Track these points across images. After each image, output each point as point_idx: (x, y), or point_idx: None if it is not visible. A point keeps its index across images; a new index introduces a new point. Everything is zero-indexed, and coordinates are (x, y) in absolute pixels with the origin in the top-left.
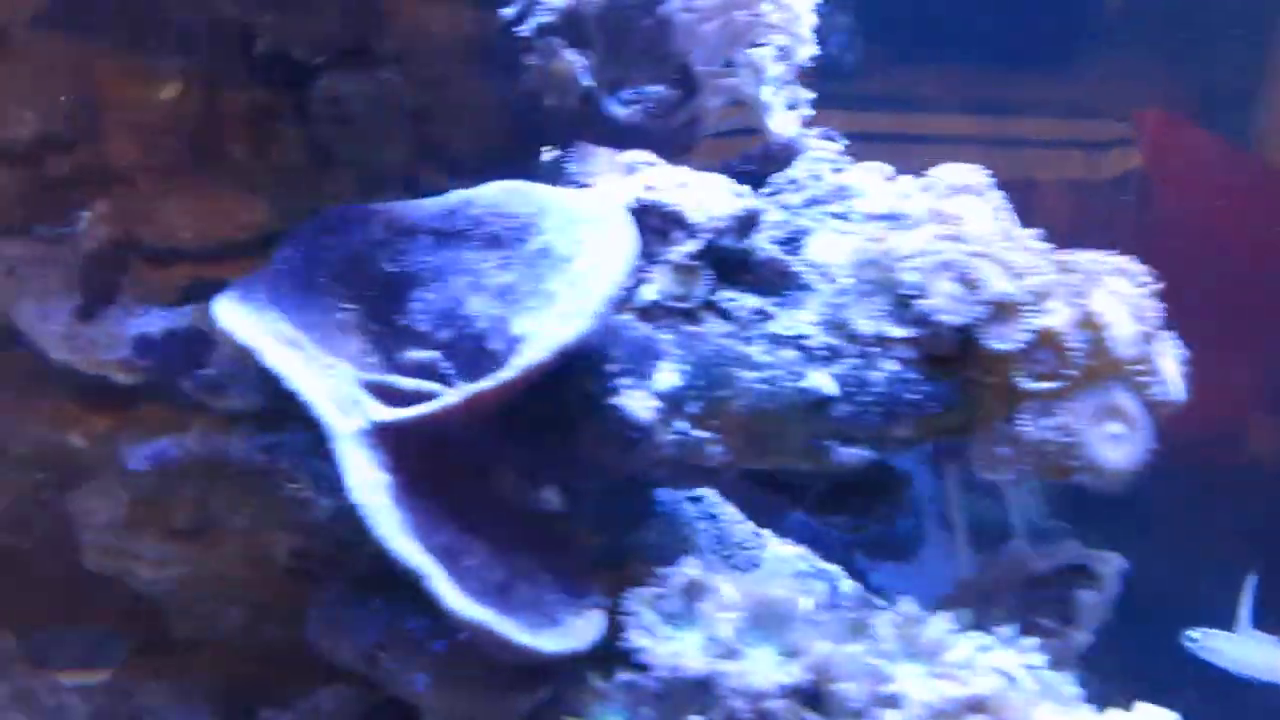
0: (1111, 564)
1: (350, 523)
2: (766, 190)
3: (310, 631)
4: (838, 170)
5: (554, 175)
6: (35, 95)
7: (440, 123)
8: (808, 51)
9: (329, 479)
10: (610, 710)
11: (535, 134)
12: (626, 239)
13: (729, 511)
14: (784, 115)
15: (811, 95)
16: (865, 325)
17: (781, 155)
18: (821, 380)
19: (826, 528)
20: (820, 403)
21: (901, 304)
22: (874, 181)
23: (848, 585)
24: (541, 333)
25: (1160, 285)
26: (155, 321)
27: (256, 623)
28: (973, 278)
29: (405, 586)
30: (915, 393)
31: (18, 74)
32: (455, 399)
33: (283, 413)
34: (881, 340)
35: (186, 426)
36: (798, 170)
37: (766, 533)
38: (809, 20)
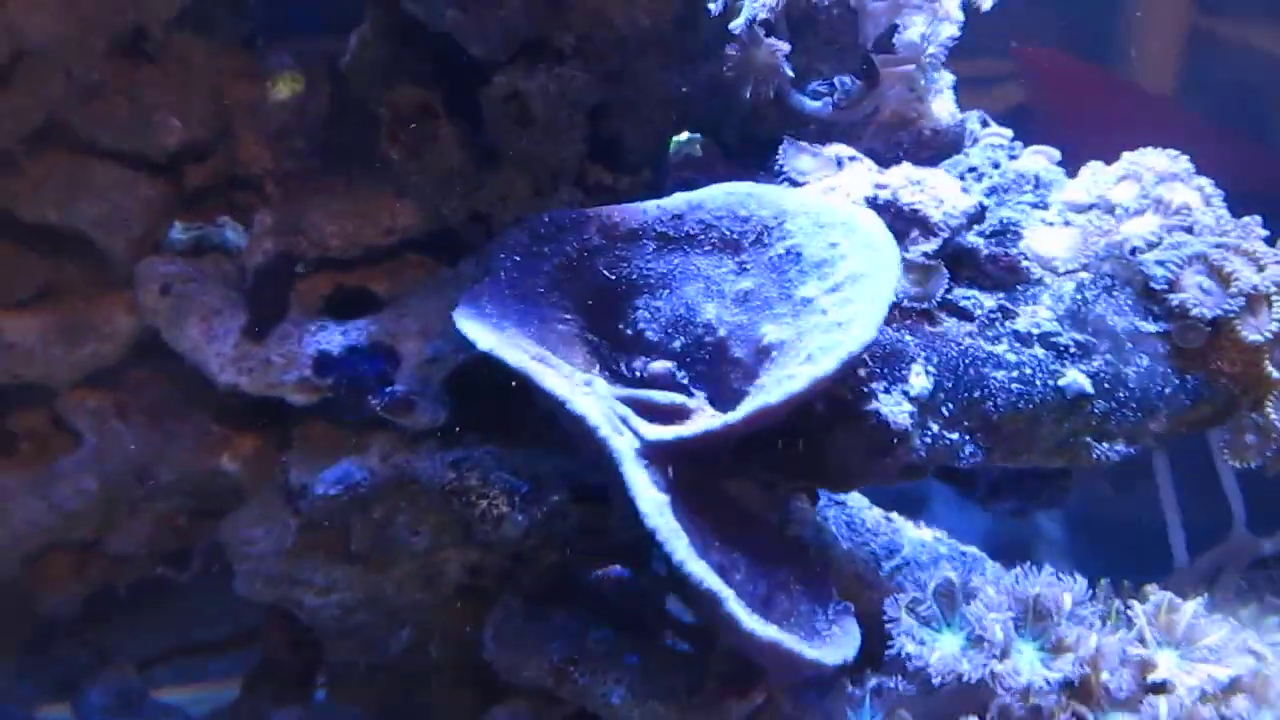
0: None
1: (537, 536)
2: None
3: (488, 649)
4: (1014, 157)
5: (764, 172)
6: (179, 101)
7: (616, 118)
8: (951, 31)
9: (521, 494)
10: (864, 716)
11: (714, 127)
12: (889, 244)
13: (853, 495)
14: (944, 99)
15: (953, 78)
16: (1116, 321)
17: (941, 139)
18: (1077, 377)
19: (998, 513)
20: (1077, 400)
21: (1149, 297)
22: (1055, 170)
23: (992, 567)
24: (813, 342)
25: None
26: (334, 338)
27: (421, 644)
28: (1226, 270)
29: (587, 600)
30: (1168, 386)
31: (160, 78)
32: (738, 416)
33: (463, 428)
34: (1135, 336)
35: (359, 447)
36: (975, 157)
37: (897, 516)
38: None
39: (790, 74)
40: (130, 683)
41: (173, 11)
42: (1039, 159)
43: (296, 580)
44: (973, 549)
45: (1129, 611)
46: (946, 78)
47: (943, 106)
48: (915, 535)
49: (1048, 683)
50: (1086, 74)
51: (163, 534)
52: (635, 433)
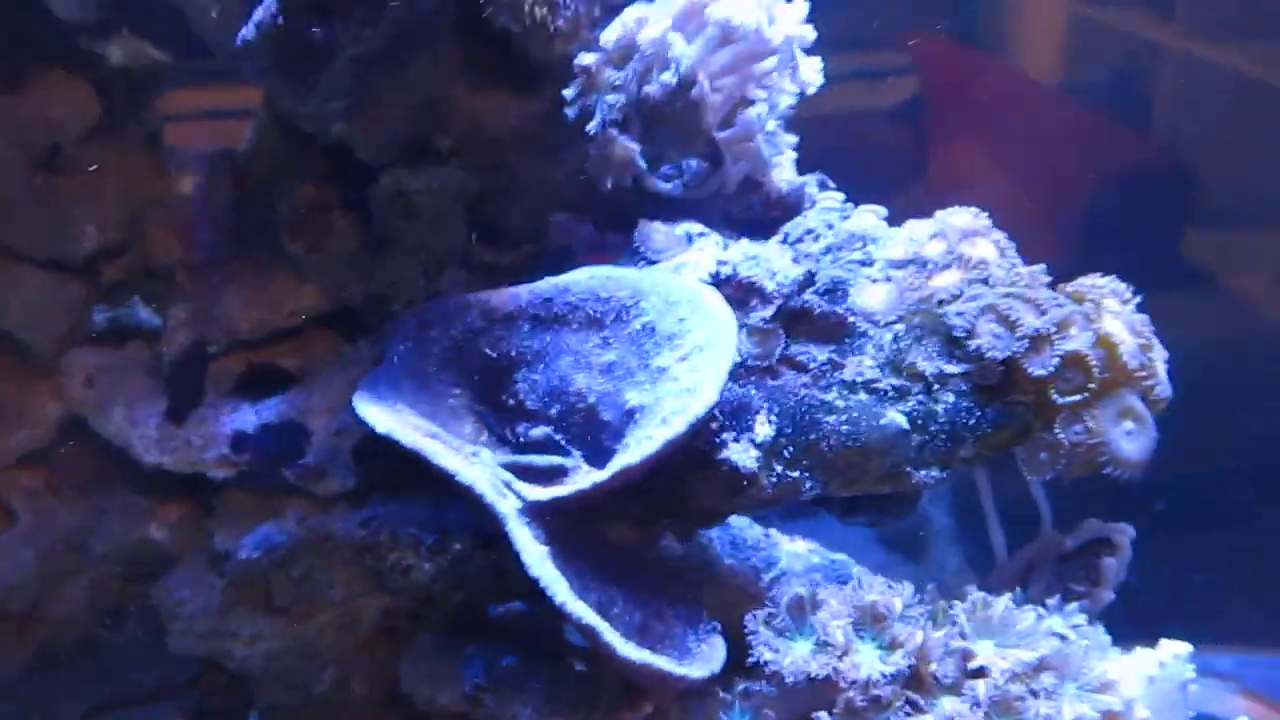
0: (1126, 534)
1: (444, 581)
2: (779, 238)
3: (406, 682)
4: (845, 217)
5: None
6: (93, 207)
7: (494, 205)
8: (789, 100)
9: (427, 545)
10: (735, 716)
11: (581, 209)
12: (728, 318)
13: (736, 519)
14: (786, 165)
15: (794, 140)
16: (926, 365)
17: (785, 202)
18: (895, 417)
19: (853, 525)
20: (897, 436)
21: (952, 343)
22: (882, 227)
23: (858, 571)
24: (668, 406)
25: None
26: (248, 418)
27: (344, 681)
28: (1012, 318)
29: (493, 632)
30: (972, 418)
31: (75, 188)
32: (604, 475)
33: (368, 490)
34: (941, 378)
35: (277, 512)
36: (812, 219)
37: (774, 532)
38: (805, 69)
39: (643, 165)
40: None
41: (83, 128)
42: (868, 217)
43: (225, 634)
44: (842, 556)
45: (951, 610)
46: (788, 140)
47: (783, 173)
48: (791, 548)
49: (884, 675)
50: (977, 64)
51: (98, 598)
52: (518, 494)
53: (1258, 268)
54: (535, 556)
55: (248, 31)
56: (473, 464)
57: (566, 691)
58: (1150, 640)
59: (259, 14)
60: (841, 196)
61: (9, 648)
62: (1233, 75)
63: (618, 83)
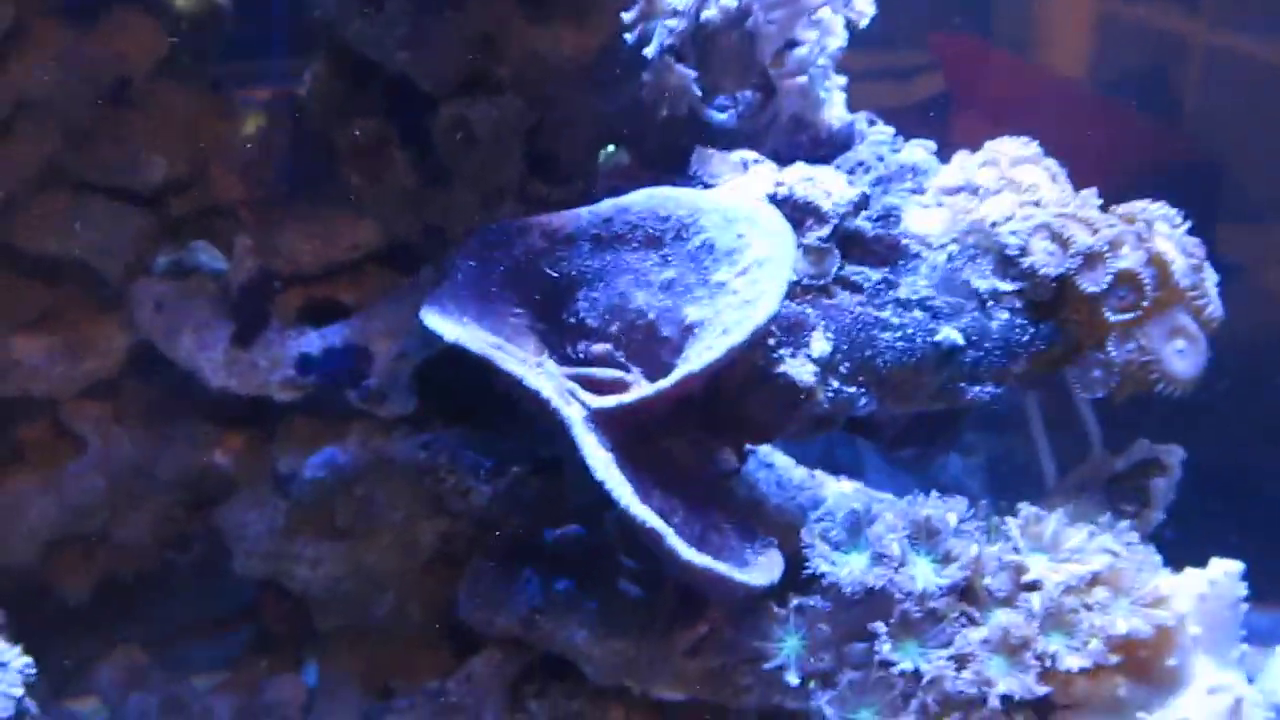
0: (1176, 454)
1: (501, 505)
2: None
3: (463, 607)
4: (896, 150)
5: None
6: (160, 141)
7: (549, 137)
8: (839, 41)
9: (485, 468)
10: (790, 631)
11: (633, 143)
12: (787, 233)
13: (780, 459)
14: (836, 102)
15: (843, 80)
16: (980, 284)
17: (834, 139)
18: (950, 333)
19: (903, 459)
20: (951, 352)
21: (1005, 262)
22: (932, 160)
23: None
24: (728, 318)
25: None
26: (313, 341)
27: (402, 606)
28: (1065, 236)
29: (548, 557)
30: (1025, 334)
31: (144, 122)
32: (668, 383)
33: (428, 415)
34: (995, 295)
35: (339, 436)
36: (862, 152)
37: (819, 473)
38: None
39: (699, 93)
40: (140, 663)
41: (152, 64)
42: (918, 150)
43: (289, 555)
44: (888, 496)
45: (1004, 525)
46: (837, 81)
47: (833, 110)
48: (836, 488)
49: (939, 588)
50: (1002, 61)
51: (163, 524)
52: (582, 403)
53: None
54: (601, 462)
55: None
56: (538, 372)
57: (621, 614)
58: None
59: None
60: (891, 130)
61: (77, 573)
62: (1261, 66)
63: (679, 8)
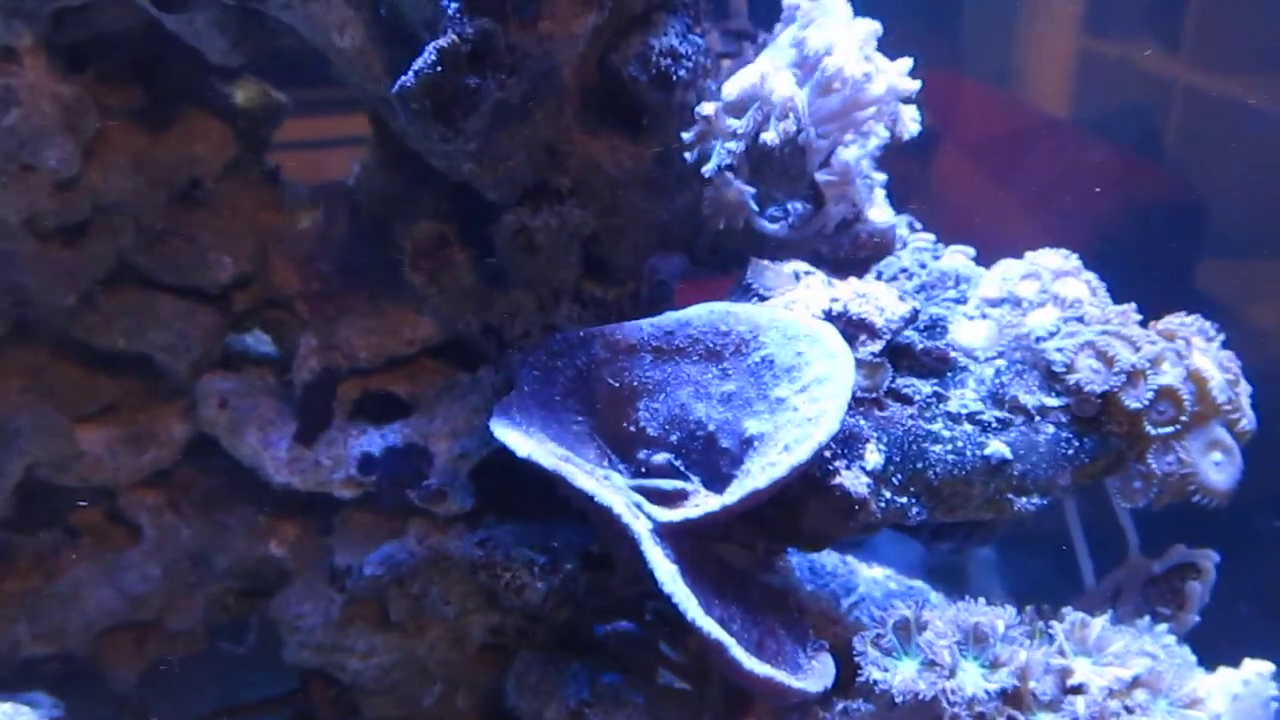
0: (1211, 559)
1: (554, 600)
2: (873, 276)
3: (511, 697)
4: (937, 257)
5: (734, 285)
6: (227, 240)
7: (605, 242)
8: (879, 141)
9: (540, 565)
10: None
11: (684, 247)
12: (846, 353)
13: None
14: (880, 206)
15: (884, 177)
16: (1027, 399)
17: (875, 241)
18: (999, 447)
19: (940, 552)
20: (1000, 465)
21: (1051, 377)
22: (972, 267)
23: (935, 597)
24: (788, 435)
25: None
26: (375, 441)
27: (450, 696)
28: (1110, 354)
29: (594, 650)
30: (1070, 448)
31: (212, 221)
32: (734, 499)
33: (483, 511)
34: (1042, 410)
35: (395, 531)
36: (905, 259)
37: (850, 558)
38: (905, 119)
39: (755, 207)
40: None
41: (222, 165)
42: (958, 258)
43: (341, 647)
44: (918, 582)
45: (1050, 630)
46: (878, 178)
47: (878, 213)
48: (868, 574)
49: (987, 694)
50: (985, 97)
51: (215, 612)
52: (649, 516)
53: (1272, 298)
54: (668, 575)
55: (408, 79)
56: (607, 486)
57: (668, 707)
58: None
59: (419, 63)
60: (932, 237)
61: (127, 658)
62: (1240, 107)
63: (739, 131)
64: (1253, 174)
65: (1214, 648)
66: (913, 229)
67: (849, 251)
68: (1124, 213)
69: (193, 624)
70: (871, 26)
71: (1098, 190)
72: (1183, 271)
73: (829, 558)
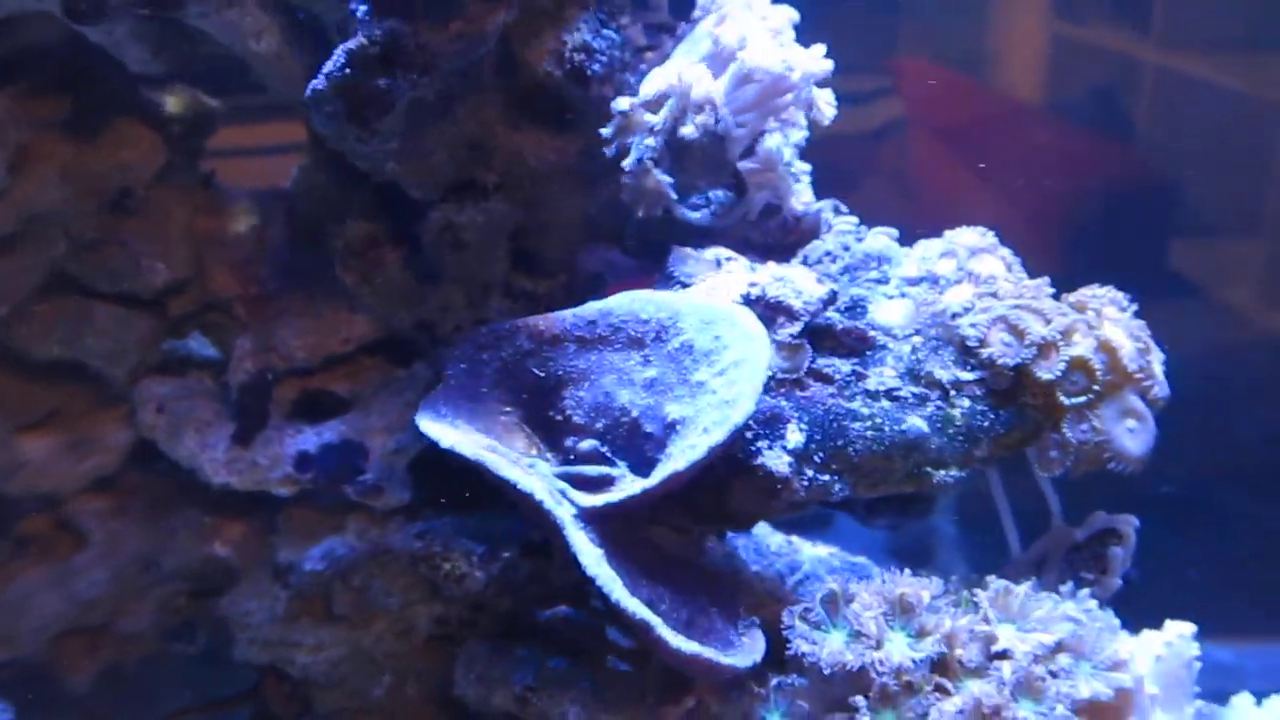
0: (1131, 524)
1: (494, 588)
2: (799, 260)
3: (459, 685)
4: (860, 239)
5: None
6: (160, 246)
7: (533, 235)
8: (803, 132)
9: (479, 554)
10: (772, 709)
11: (612, 238)
12: (761, 335)
13: (758, 528)
14: (802, 191)
15: (808, 166)
16: (943, 374)
17: (802, 226)
18: (916, 422)
19: (877, 527)
20: (918, 439)
21: (966, 353)
22: (894, 247)
23: (877, 573)
24: (708, 417)
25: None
26: (311, 439)
27: (400, 686)
28: (1021, 327)
29: (540, 636)
30: (986, 421)
31: (145, 228)
32: (653, 482)
33: (421, 504)
34: (957, 385)
35: (337, 527)
36: (829, 243)
37: (796, 538)
38: (820, 103)
39: (675, 196)
40: None
41: (152, 173)
42: (881, 239)
43: (289, 642)
44: (862, 559)
45: (975, 598)
46: (802, 167)
47: (800, 200)
48: (813, 553)
49: (914, 662)
50: (959, 85)
51: (165, 613)
52: (572, 502)
53: (1243, 277)
54: (592, 558)
55: (318, 83)
56: (530, 474)
57: (612, 689)
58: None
59: (328, 66)
60: (855, 220)
61: (80, 663)
62: (1210, 87)
63: (655, 126)
64: (1222, 153)
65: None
66: (838, 212)
67: (778, 237)
68: (1098, 196)
69: (144, 626)
70: (789, 13)
71: (1072, 174)
72: (1157, 253)
73: (774, 538)
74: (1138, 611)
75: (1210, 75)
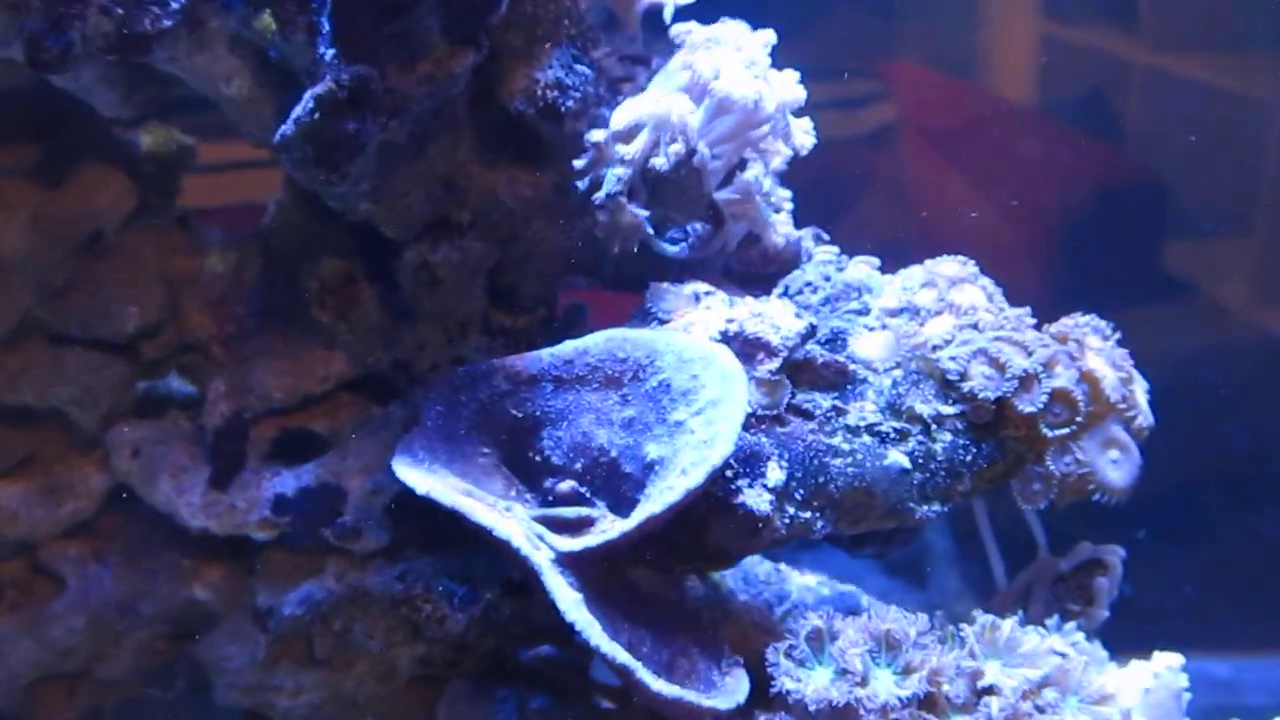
0: (1116, 554)
1: (476, 629)
2: (779, 290)
3: None
4: (841, 269)
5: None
6: (133, 290)
7: (510, 271)
8: (782, 160)
9: (459, 596)
10: None
11: (590, 273)
12: (739, 373)
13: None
14: (783, 221)
15: (789, 194)
16: (924, 408)
17: (782, 256)
18: (898, 457)
19: (861, 557)
20: (899, 475)
21: (947, 386)
22: (876, 277)
23: (866, 601)
24: (686, 458)
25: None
26: (288, 482)
27: None
28: (1002, 360)
29: (523, 675)
30: (968, 455)
31: (116, 272)
32: (631, 525)
33: (401, 545)
34: (938, 419)
35: (316, 569)
36: (810, 273)
37: (783, 566)
38: (797, 132)
39: (650, 230)
40: None
41: (121, 217)
42: (862, 268)
43: (269, 687)
44: (850, 587)
45: (961, 633)
46: (783, 194)
47: (779, 231)
48: (800, 581)
49: (900, 700)
50: (951, 88)
51: (144, 658)
52: (550, 546)
53: (1235, 275)
54: (570, 603)
55: (287, 128)
56: (507, 518)
57: None
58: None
59: (297, 111)
60: (836, 250)
61: (58, 710)
62: (1200, 87)
63: (627, 157)
64: (1213, 153)
65: None
66: (819, 241)
67: (759, 266)
68: (1090, 197)
69: (124, 672)
70: (765, 38)
71: (1064, 176)
72: (1150, 253)
73: (762, 566)
74: (1135, 622)
75: (1201, 75)
